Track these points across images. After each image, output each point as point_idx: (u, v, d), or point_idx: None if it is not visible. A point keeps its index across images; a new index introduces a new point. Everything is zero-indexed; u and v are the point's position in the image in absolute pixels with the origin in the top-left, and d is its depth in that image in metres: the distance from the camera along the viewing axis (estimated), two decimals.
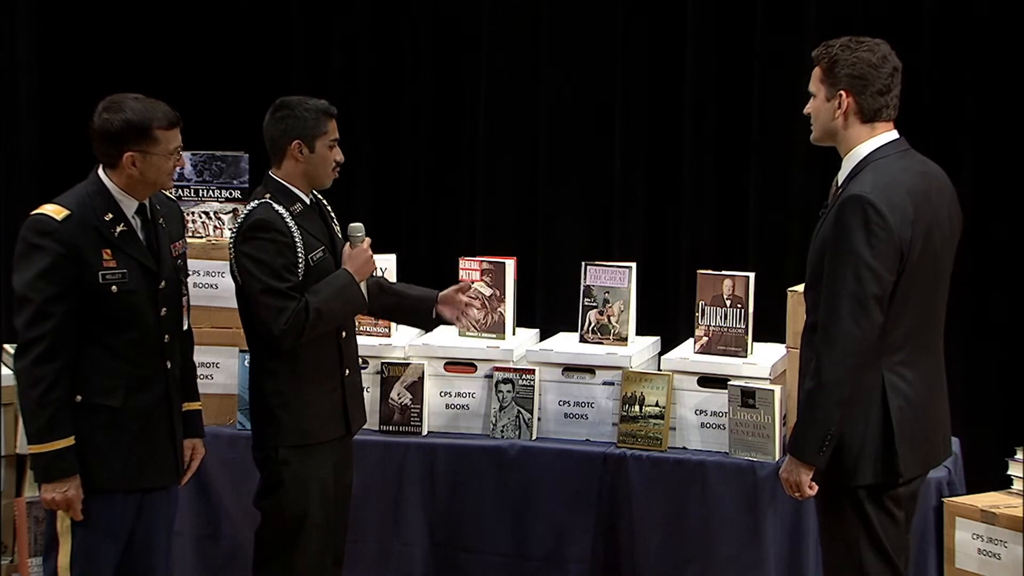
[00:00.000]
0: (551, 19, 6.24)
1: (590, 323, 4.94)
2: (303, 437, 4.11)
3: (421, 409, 4.90)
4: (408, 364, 4.93)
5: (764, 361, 4.74)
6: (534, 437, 4.84)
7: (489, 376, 4.91)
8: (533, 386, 4.84)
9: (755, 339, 4.79)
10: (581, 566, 4.75)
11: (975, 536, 4.40)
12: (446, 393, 4.94)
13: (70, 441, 3.70)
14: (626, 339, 4.89)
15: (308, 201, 4.18)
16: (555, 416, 4.86)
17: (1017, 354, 5.62)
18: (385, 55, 6.49)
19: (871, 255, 3.47)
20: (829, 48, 3.64)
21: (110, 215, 3.76)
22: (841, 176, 3.67)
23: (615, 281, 4.91)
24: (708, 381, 4.73)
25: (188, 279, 4.09)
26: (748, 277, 4.77)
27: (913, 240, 3.53)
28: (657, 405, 4.71)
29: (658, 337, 5.13)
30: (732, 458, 4.63)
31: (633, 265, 4.95)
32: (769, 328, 4.89)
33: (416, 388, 4.90)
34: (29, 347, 3.67)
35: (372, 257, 4.21)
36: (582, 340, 4.95)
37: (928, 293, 3.63)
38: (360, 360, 4.48)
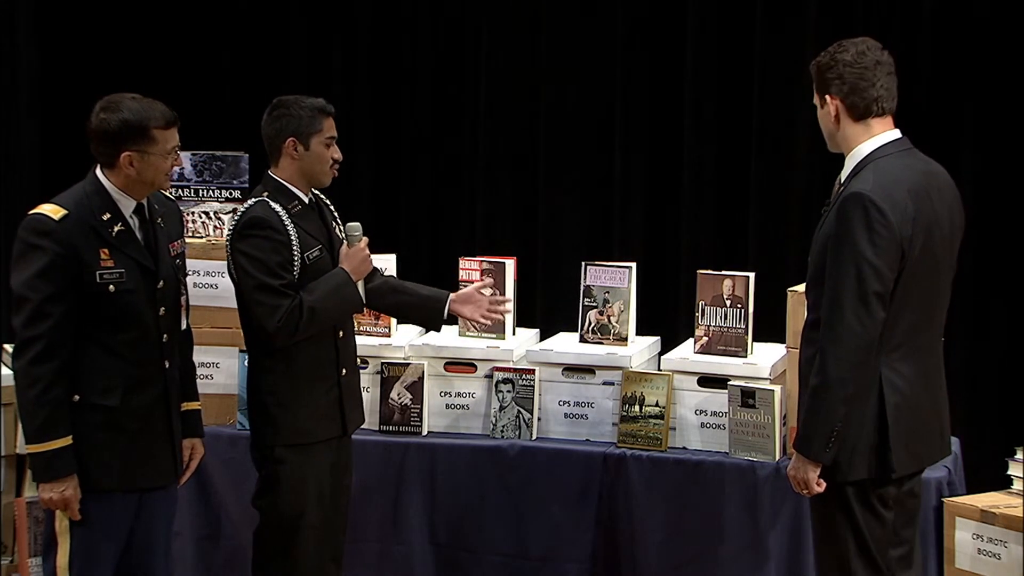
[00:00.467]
0: (551, 20, 6.23)
1: (590, 323, 4.94)
2: (299, 436, 4.11)
3: (421, 409, 4.90)
4: (408, 364, 4.93)
5: (764, 361, 4.73)
6: (534, 437, 4.84)
7: (489, 376, 4.91)
8: (533, 386, 4.84)
9: (755, 339, 4.79)
10: (581, 566, 4.75)
11: (975, 536, 4.40)
12: (446, 393, 4.94)
13: (68, 441, 3.69)
14: (626, 339, 4.89)
15: (307, 200, 4.18)
16: (555, 416, 4.86)
17: (1017, 354, 5.62)
18: (385, 55, 6.49)
19: (873, 252, 3.49)
20: (817, 59, 3.72)
21: (108, 215, 3.76)
22: (844, 175, 3.69)
23: (615, 281, 4.91)
24: (708, 381, 4.73)
25: (187, 279, 4.09)
26: (748, 277, 4.77)
27: (914, 238, 3.55)
28: (657, 405, 4.71)
29: (658, 337, 5.13)
30: (732, 458, 4.63)
31: (633, 265, 4.95)
32: (769, 328, 4.89)
33: (416, 388, 4.90)
34: (27, 347, 3.67)
35: (369, 256, 4.22)
36: (582, 340, 4.95)
37: (928, 292, 3.64)
38: (360, 360, 4.48)
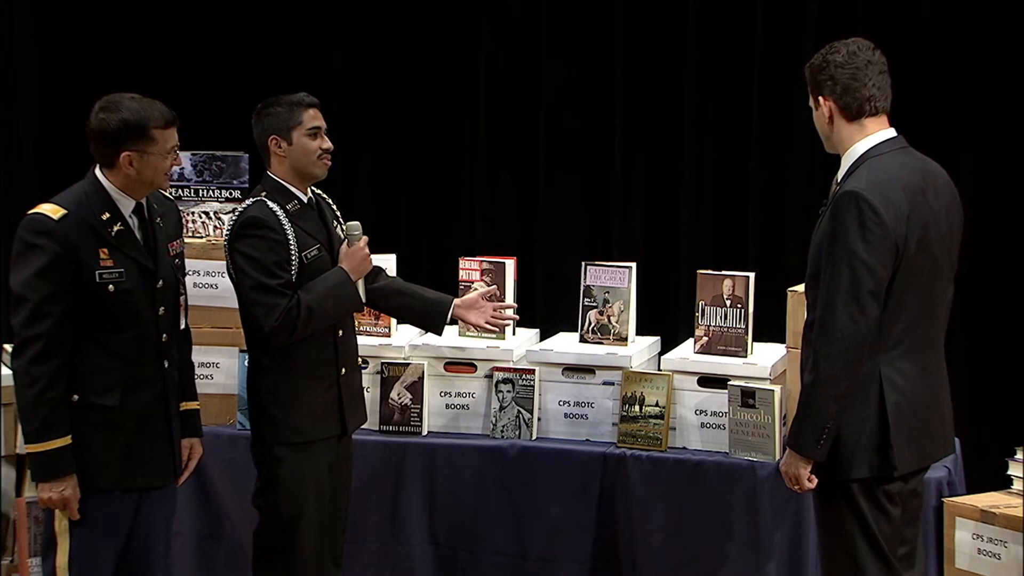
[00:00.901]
0: (551, 19, 6.24)
1: (590, 323, 4.94)
2: (298, 435, 4.12)
3: (421, 409, 4.90)
4: (408, 364, 4.93)
5: (764, 361, 4.73)
6: (534, 437, 4.84)
7: (489, 376, 4.91)
8: (533, 386, 4.84)
9: (755, 339, 4.78)
10: (581, 566, 4.75)
11: (975, 536, 4.40)
12: (446, 393, 4.94)
13: (67, 440, 3.69)
14: (626, 339, 4.89)
15: (306, 199, 4.19)
16: (555, 416, 4.86)
17: (1017, 354, 5.62)
18: (385, 55, 6.49)
19: (865, 250, 3.50)
20: (810, 62, 3.75)
21: (107, 214, 3.76)
22: (840, 175, 3.70)
23: (615, 281, 4.91)
24: (708, 381, 4.73)
25: (187, 279, 4.09)
26: (748, 277, 4.77)
27: (908, 235, 3.55)
28: (657, 405, 4.71)
29: (658, 337, 5.13)
30: (732, 458, 4.63)
31: (633, 265, 4.94)
32: (769, 328, 4.89)
33: (416, 388, 4.90)
34: (26, 346, 3.67)
35: (369, 256, 4.22)
36: (582, 340, 4.94)
37: (926, 289, 3.65)
38: (360, 360, 4.48)
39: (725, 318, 4.77)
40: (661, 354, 4.95)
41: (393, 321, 5.00)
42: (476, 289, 4.76)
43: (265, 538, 4.19)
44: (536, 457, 4.78)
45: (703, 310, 4.81)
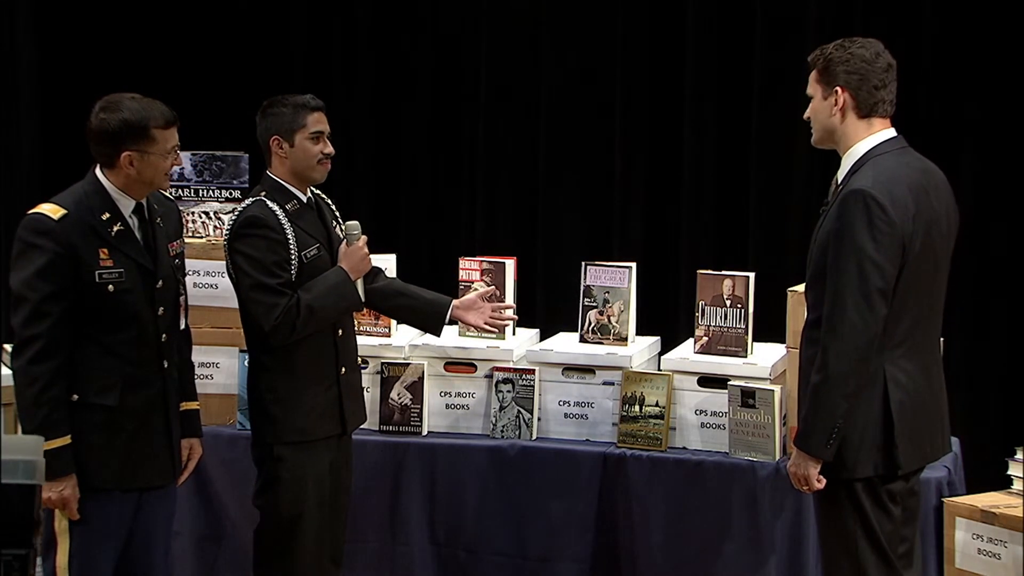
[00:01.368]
0: (551, 19, 6.24)
1: (590, 323, 4.94)
2: (299, 434, 4.12)
3: (421, 409, 4.90)
4: (408, 364, 4.93)
5: (764, 361, 4.73)
6: (534, 437, 4.84)
7: (489, 376, 4.91)
8: (533, 386, 4.84)
9: (755, 339, 4.78)
10: (581, 566, 4.74)
11: (975, 536, 4.40)
12: (446, 393, 4.94)
13: (66, 440, 3.69)
14: (626, 339, 4.89)
15: (305, 199, 4.19)
16: (555, 416, 4.86)
17: (1017, 354, 5.62)
18: (385, 55, 6.49)
19: (874, 248, 3.49)
20: (823, 50, 3.72)
21: (107, 214, 3.76)
22: (841, 174, 3.69)
23: (615, 281, 4.91)
24: (708, 381, 4.73)
25: (187, 279, 4.09)
26: (748, 277, 4.77)
27: (914, 234, 3.55)
28: (657, 405, 4.71)
29: (658, 337, 5.13)
30: (732, 458, 4.63)
31: (633, 265, 4.94)
32: (769, 328, 4.89)
33: (416, 388, 4.90)
34: (25, 346, 3.67)
35: (368, 255, 4.22)
36: (582, 340, 4.94)
37: (928, 289, 3.65)
38: (360, 360, 4.48)
39: (725, 318, 4.77)
40: (661, 354, 4.95)
41: (393, 321, 5.00)
42: (476, 289, 4.76)
43: (265, 538, 4.19)
44: (536, 457, 4.78)
45: (703, 310, 4.81)
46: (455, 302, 4.45)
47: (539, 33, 6.26)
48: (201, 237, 5.09)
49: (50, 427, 3.66)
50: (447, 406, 4.94)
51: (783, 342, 4.78)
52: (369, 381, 4.88)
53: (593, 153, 6.22)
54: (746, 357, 4.74)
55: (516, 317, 4.83)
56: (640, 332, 5.01)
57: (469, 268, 5.00)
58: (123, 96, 3.77)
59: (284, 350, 4.08)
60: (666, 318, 5.84)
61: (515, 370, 4.86)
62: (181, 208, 4.19)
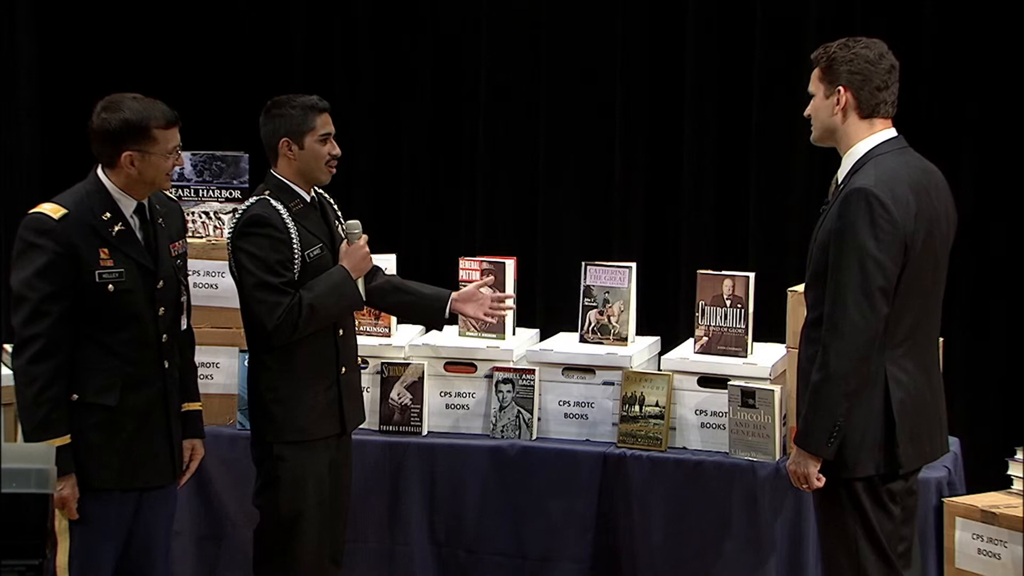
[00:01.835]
0: (551, 19, 6.23)
1: (590, 323, 4.94)
2: (299, 433, 4.12)
3: (421, 409, 4.90)
4: (408, 364, 4.92)
5: (764, 361, 4.73)
6: (534, 437, 4.84)
7: (489, 376, 4.91)
8: (533, 386, 4.84)
9: (755, 339, 4.78)
10: (581, 566, 4.75)
11: (975, 536, 4.40)
12: (446, 393, 4.94)
13: (66, 439, 3.69)
14: (626, 339, 4.89)
15: (309, 199, 4.19)
16: (555, 416, 4.86)
17: (1017, 354, 5.62)
18: (385, 55, 6.49)
19: (876, 247, 3.49)
20: (827, 48, 3.71)
21: (108, 214, 3.76)
22: (841, 173, 3.69)
23: (615, 281, 4.91)
24: (708, 381, 4.73)
25: (188, 279, 4.09)
26: (748, 277, 4.77)
27: (916, 233, 3.56)
28: (657, 405, 4.71)
29: (658, 337, 5.13)
30: (732, 458, 4.63)
31: (633, 265, 4.94)
32: (769, 328, 4.89)
33: (416, 388, 4.90)
34: (25, 345, 3.67)
35: (369, 254, 4.23)
36: (582, 340, 4.94)
37: (928, 288, 3.66)
38: (360, 360, 4.48)
39: (725, 318, 4.77)
40: (661, 354, 4.95)
41: (393, 321, 5.01)
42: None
43: (266, 537, 4.19)
44: (536, 457, 4.78)
45: (703, 310, 4.81)
46: (454, 295, 4.44)
47: (539, 33, 6.25)
48: (201, 237, 5.09)
49: (50, 426, 3.67)
50: (447, 406, 4.94)
51: (783, 342, 4.78)
52: (369, 381, 4.88)
53: (593, 153, 6.21)
54: (746, 357, 4.74)
55: (513, 307, 4.80)
56: (640, 332, 5.01)
57: (469, 268, 5.00)
58: (125, 96, 3.77)
59: (285, 349, 4.08)
60: (666, 318, 5.84)
61: (515, 370, 4.86)
62: (182, 208, 4.19)
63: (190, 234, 4.97)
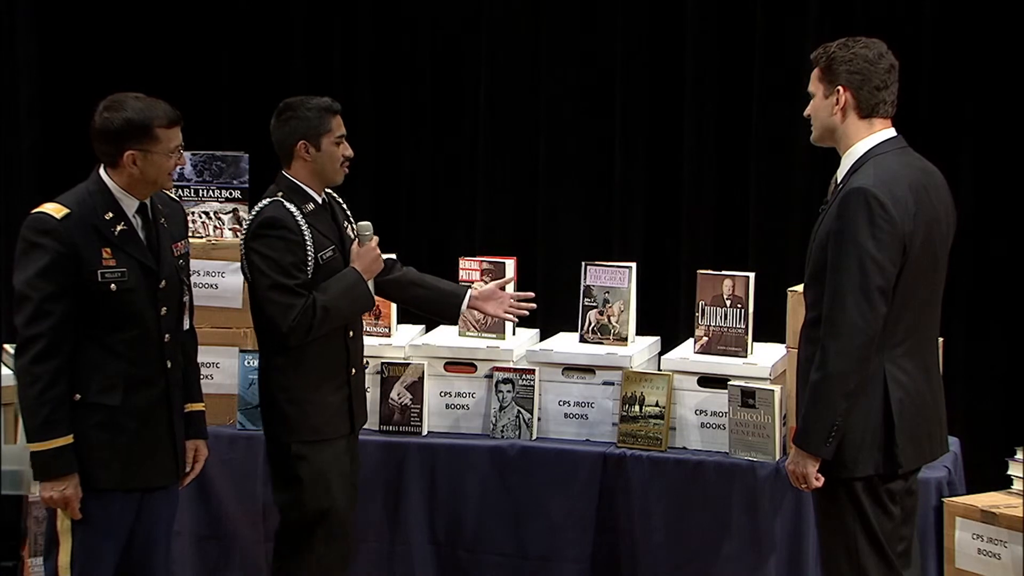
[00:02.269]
0: (551, 19, 6.24)
1: (590, 323, 4.94)
2: (314, 433, 4.15)
3: (421, 409, 4.90)
4: (408, 364, 4.93)
5: (764, 361, 4.74)
6: (534, 437, 4.84)
7: (489, 376, 4.91)
8: (533, 386, 4.84)
9: (755, 339, 4.79)
10: (581, 566, 4.75)
11: (975, 536, 4.40)
12: (446, 393, 4.94)
13: (68, 439, 3.69)
14: (626, 339, 4.89)
15: (320, 200, 4.20)
16: (555, 416, 4.86)
17: (1017, 354, 5.62)
18: (385, 55, 6.49)
19: (875, 247, 3.50)
20: (827, 48, 3.72)
21: (110, 214, 3.76)
22: (840, 173, 3.70)
23: (615, 281, 4.91)
24: (708, 381, 4.73)
25: (190, 279, 4.09)
26: (748, 277, 4.77)
27: (915, 233, 3.56)
28: (657, 405, 4.71)
29: (658, 337, 5.13)
30: (732, 458, 4.63)
31: (633, 265, 4.95)
32: (769, 328, 4.89)
33: (416, 388, 4.90)
34: (28, 345, 3.67)
35: (380, 256, 4.25)
36: (582, 340, 4.95)
37: (927, 288, 3.66)
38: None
39: (725, 318, 4.78)
40: (661, 354, 4.95)
41: (393, 321, 5.01)
42: (477, 288, 4.75)
43: (288, 534, 4.21)
44: (536, 457, 4.79)
45: (703, 310, 4.82)
46: (472, 292, 4.46)
47: (539, 33, 6.26)
48: (201, 237, 5.09)
49: (52, 426, 3.67)
50: (447, 406, 4.94)
51: (783, 342, 4.78)
52: (369, 381, 4.88)
53: (593, 153, 6.22)
54: (746, 357, 4.75)
55: (534, 306, 4.77)
56: (640, 332, 5.02)
57: (469, 268, 5.00)
58: (127, 95, 3.77)
59: (297, 350, 4.11)
60: (666, 318, 5.84)
61: (515, 370, 4.87)
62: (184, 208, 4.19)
63: (190, 234, 4.98)
